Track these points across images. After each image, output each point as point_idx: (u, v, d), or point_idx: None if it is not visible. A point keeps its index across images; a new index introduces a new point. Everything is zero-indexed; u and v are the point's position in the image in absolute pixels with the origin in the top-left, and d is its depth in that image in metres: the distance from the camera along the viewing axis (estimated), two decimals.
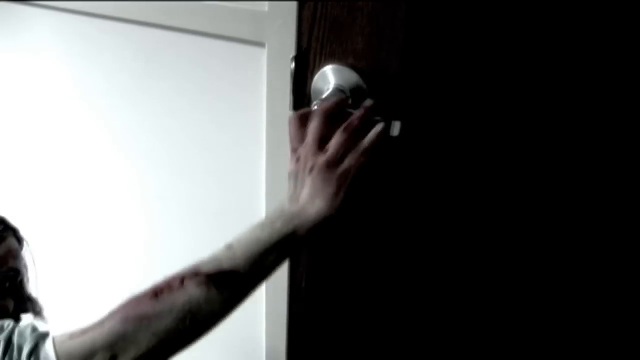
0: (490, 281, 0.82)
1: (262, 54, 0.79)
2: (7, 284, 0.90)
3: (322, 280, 0.96)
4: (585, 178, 0.70)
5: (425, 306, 0.89)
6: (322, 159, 0.64)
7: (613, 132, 0.67)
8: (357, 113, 0.66)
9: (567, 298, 0.77)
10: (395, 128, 0.74)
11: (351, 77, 0.75)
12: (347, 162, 0.64)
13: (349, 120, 0.65)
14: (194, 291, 0.59)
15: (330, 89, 0.75)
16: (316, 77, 0.77)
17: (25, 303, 0.95)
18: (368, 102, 0.68)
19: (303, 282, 0.99)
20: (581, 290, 0.76)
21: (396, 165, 0.80)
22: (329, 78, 0.76)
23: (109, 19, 0.94)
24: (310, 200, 0.63)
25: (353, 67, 0.74)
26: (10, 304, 0.91)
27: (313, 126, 0.66)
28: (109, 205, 1.18)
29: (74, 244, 1.30)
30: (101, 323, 0.59)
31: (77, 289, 1.32)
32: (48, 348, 0.59)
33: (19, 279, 0.93)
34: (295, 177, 0.66)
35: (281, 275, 0.99)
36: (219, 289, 0.60)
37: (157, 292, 0.60)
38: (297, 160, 0.66)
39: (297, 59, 0.76)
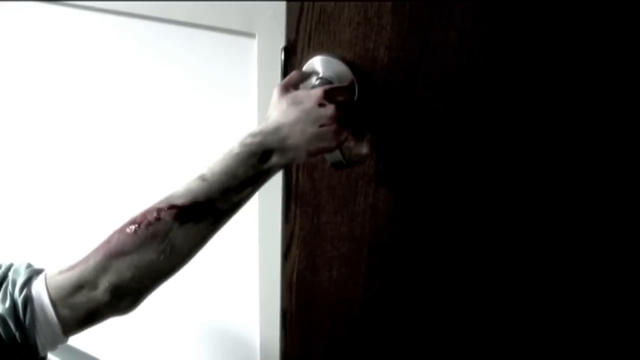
0: (476, 281, 0.82)
1: (253, 45, 0.80)
2: None
3: (311, 274, 0.97)
4: (583, 178, 0.70)
5: (407, 297, 0.89)
6: (332, 111, 0.67)
7: (612, 131, 0.67)
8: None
9: (567, 298, 0.78)
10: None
11: (339, 68, 0.75)
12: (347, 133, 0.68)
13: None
14: (170, 225, 0.62)
15: (319, 80, 0.75)
16: (304, 69, 0.77)
17: None
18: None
19: (294, 275, 0.99)
20: (581, 290, 0.76)
21: (386, 156, 0.80)
22: (317, 69, 0.76)
23: (103, 11, 0.95)
24: (294, 144, 0.66)
25: (341, 57, 0.75)
26: None
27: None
28: (105, 192, 1.19)
29: (74, 231, 1.32)
30: (87, 259, 0.62)
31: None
32: (40, 282, 0.62)
33: None
34: (294, 104, 0.68)
35: (275, 270, 1.00)
36: (195, 221, 0.63)
37: (135, 227, 0.62)
38: (301, 100, 0.68)
39: (286, 50, 0.76)
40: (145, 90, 1.00)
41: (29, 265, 0.66)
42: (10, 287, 0.62)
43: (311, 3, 0.73)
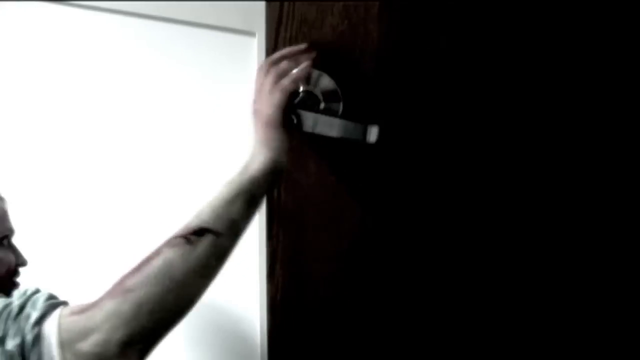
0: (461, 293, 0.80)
1: (253, 43, 0.80)
2: (6, 242, 0.98)
3: (297, 295, 0.93)
4: (578, 180, 0.69)
5: (398, 317, 0.87)
6: (252, 108, 0.68)
7: (604, 131, 0.66)
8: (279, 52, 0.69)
9: (567, 298, 0.76)
10: (372, 134, 0.70)
11: (323, 79, 0.71)
12: (267, 109, 0.67)
13: (269, 60, 0.68)
14: (168, 253, 0.63)
15: (301, 94, 0.70)
16: None
17: (21, 257, 1.02)
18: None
19: (278, 296, 0.95)
20: (581, 290, 0.75)
21: (374, 170, 0.77)
22: (298, 82, 0.71)
23: (101, 10, 0.99)
24: (257, 150, 0.68)
25: (324, 69, 0.70)
26: (13, 259, 0.99)
27: (258, 81, 0.70)
28: (109, 189, 1.20)
29: (74, 227, 1.31)
30: (96, 303, 0.62)
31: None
32: (52, 321, 0.62)
33: (12, 236, 1.02)
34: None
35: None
36: (190, 245, 0.64)
37: (137, 267, 0.63)
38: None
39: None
40: (144, 90, 1.03)
41: (49, 297, 0.66)
42: (23, 321, 0.62)
43: (291, 10, 0.68)
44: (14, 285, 1.02)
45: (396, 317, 0.87)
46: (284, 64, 0.67)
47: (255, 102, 0.69)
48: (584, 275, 0.73)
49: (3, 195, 1.03)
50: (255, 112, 0.68)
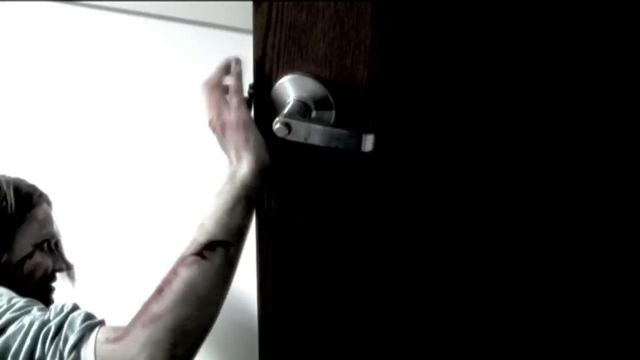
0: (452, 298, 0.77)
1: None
2: (46, 246, 1.02)
3: (289, 306, 0.91)
4: (576, 186, 0.67)
5: (392, 330, 0.85)
6: (214, 124, 0.68)
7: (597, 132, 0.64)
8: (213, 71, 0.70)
9: (565, 298, 0.75)
10: (368, 142, 0.67)
11: (314, 87, 0.68)
12: (232, 116, 0.68)
13: (206, 78, 0.69)
14: (186, 273, 0.64)
15: (291, 103, 0.68)
16: (275, 90, 0.69)
17: (60, 263, 1.06)
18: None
19: (269, 307, 0.92)
20: (581, 290, 0.74)
21: (368, 179, 0.74)
22: (288, 90, 0.68)
23: (105, 9, 1.03)
24: (238, 157, 0.68)
25: (315, 76, 0.67)
26: (50, 265, 1.03)
27: (205, 100, 0.70)
28: (116, 191, 1.25)
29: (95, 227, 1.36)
30: (128, 332, 0.63)
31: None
32: (89, 347, 0.63)
33: (54, 241, 1.05)
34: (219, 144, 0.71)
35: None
36: (206, 261, 0.65)
37: (159, 291, 0.64)
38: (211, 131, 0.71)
39: (255, 70, 0.68)
40: (145, 88, 1.07)
41: (86, 318, 0.67)
42: (61, 344, 0.63)
43: (279, 15, 0.65)
44: (50, 289, 1.06)
45: (390, 328, 0.86)
46: (217, 77, 0.70)
47: (215, 119, 0.69)
48: (584, 275, 0.72)
49: (51, 200, 1.07)
50: (223, 126, 0.68)
